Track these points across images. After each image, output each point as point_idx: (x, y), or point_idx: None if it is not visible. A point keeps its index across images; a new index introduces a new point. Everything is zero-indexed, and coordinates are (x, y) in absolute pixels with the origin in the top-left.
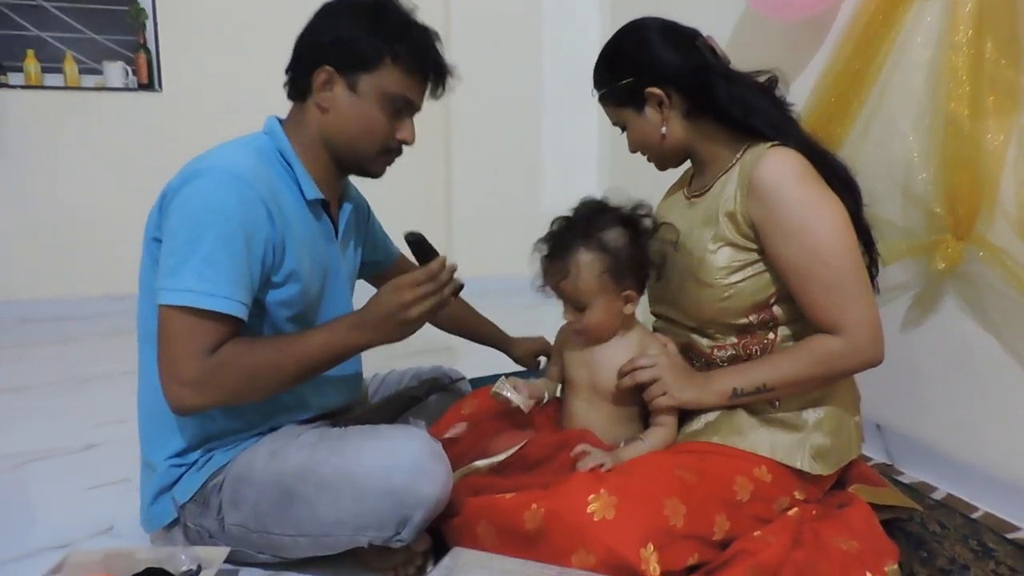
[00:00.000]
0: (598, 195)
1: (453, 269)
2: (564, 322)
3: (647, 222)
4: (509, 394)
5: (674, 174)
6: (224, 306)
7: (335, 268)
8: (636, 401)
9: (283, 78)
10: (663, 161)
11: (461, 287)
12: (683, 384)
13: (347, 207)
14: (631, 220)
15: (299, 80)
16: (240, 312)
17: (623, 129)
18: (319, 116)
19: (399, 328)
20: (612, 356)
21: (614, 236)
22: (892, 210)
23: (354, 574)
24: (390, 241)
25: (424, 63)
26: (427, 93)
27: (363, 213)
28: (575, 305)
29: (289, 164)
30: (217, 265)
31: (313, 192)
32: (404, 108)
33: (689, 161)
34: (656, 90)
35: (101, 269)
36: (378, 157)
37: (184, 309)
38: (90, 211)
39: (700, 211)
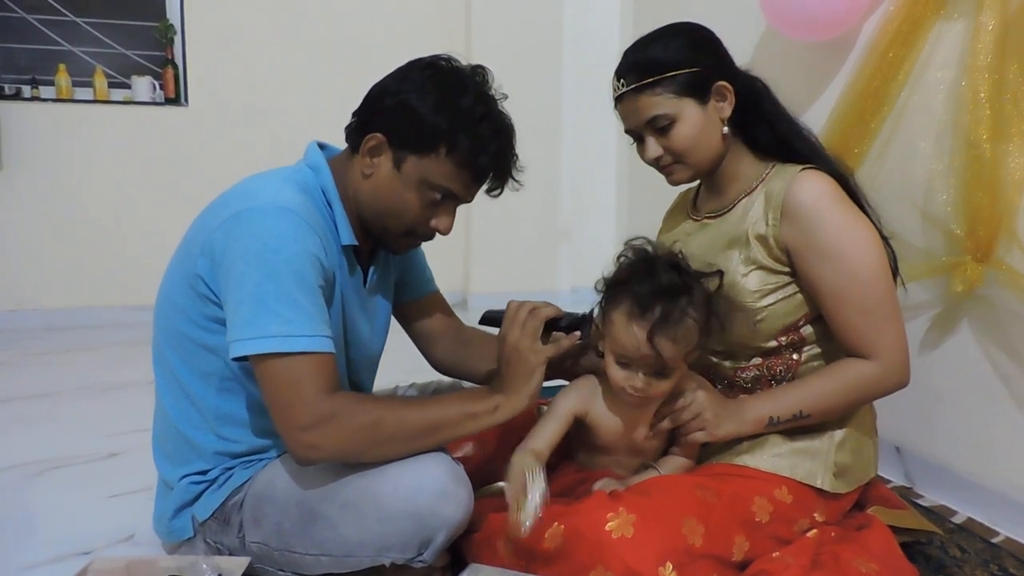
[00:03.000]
0: (615, 216)
1: (534, 307)
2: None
3: (717, 278)
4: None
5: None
6: (311, 344)
7: (352, 322)
8: (669, 441)
9: (307, 96)
10: (699, 167)
11: (578, 323)
12: (721, 420)
13: (381, 257)
14: (702, 276)
15: (354, 133)
16: (328, 347)
17: (661, 127)
18: (359, 178)
19: (523, 367)
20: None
21: (705, 292)
22: (911, 231)
23: None
24: (428, 274)
25: (479, 162)
26: (483, 188)
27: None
28: (660, 371)
29: (329, 204)
30: (294, 304)
31: (349, 237)
32: (446, 199)
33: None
34: (727, 84)
35: (126, 279)
36: (402, 237)
37: (273, 356)
38: (116, 222)
39: (720, 233)
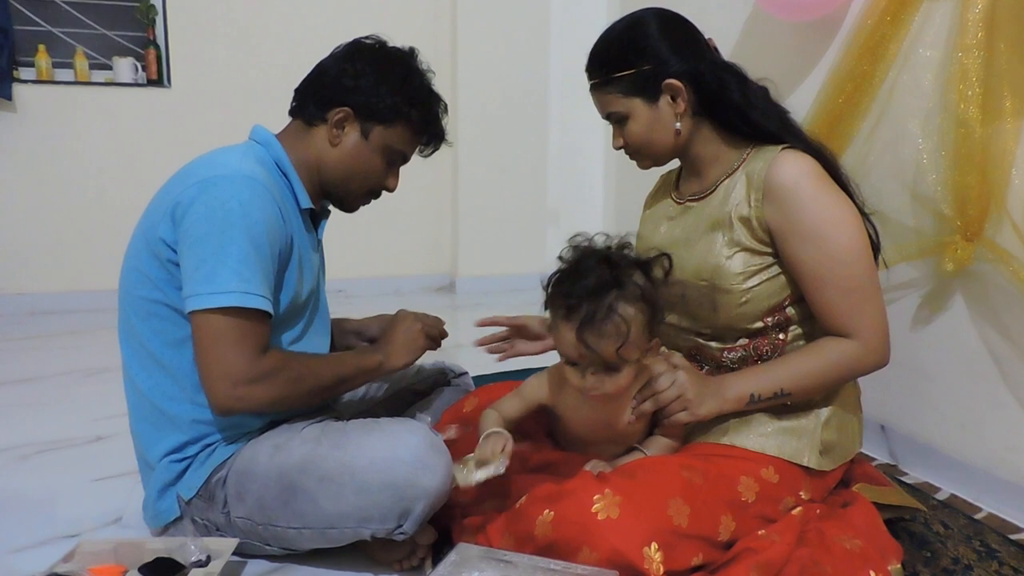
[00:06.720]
0: (603, 199)
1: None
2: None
3: (663, 263)
4: (478, 475)
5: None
6: (265, 304)
7: (320, 277)
8: (653, 422)
9: (290, 77)
10: (659, 159)
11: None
12: (703, 399)
13: (324, 221)
14: (646, 264)
15: (311, 107)
16: (271, 309)
17: (618, 121)
18: (325, 147)
19: (407, 350)
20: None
21: (643, 282)
22: (901, 211)
23: (359, 566)
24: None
25: (430, 131)
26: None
27: None
28: (609, 367)
29: (285, 174)
30: (253, 266)
31: (307, 201)
32: (398, 160)
33: (677, 162)
34: (676, 82)
35: (109, 262)
36: (362, 197)
37: (229, 310)
38: (98, 205)
39: (703, 215)
